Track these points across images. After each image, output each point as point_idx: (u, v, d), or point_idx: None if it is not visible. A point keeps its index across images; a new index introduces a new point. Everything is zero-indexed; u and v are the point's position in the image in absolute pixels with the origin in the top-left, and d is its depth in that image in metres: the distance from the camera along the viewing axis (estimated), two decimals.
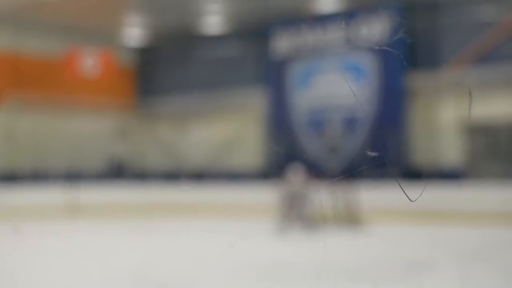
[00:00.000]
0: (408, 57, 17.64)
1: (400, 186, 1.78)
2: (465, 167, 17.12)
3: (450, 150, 17.40)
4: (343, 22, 17.49)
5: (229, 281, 7.84)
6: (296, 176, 12.98)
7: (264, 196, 15.06)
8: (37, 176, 19.80)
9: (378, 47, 17.92)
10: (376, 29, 17.92)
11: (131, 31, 23.20)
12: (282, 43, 20.28)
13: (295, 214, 12.80)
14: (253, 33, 21.31)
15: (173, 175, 21.37)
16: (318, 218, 12.64)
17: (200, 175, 20.88)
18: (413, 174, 16.74)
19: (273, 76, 20.63)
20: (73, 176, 19.82)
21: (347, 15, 19.15)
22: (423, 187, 1.86)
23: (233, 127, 22.23)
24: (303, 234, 12.13)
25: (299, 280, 7.72)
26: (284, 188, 13.08)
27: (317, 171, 15.69)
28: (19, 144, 20.99)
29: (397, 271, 8.13)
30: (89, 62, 21.85)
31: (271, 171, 19.46)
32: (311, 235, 12.04)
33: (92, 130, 23.00)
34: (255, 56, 21.54)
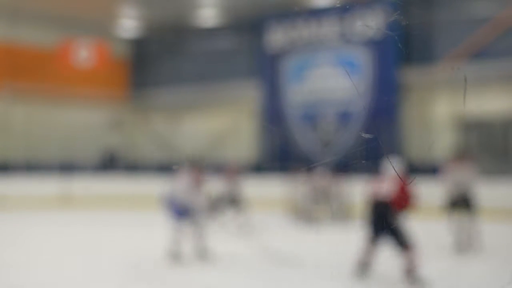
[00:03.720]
0: (402, 52, 17.66)
1: (395, 170, 1.79)
2: None
3: (444, 145, 17.45)
4: (338, 2, 17.48)
5: (222, 273, 7.86)
6: (323, 174, 13.32)
7: (258, 188, 15.08)
8: (31, 167, 19.75)
9: (373, 31, 17.95)
10: (371, 23, 17.93)
11: (126, 23, 23.14)
12: (277, 36, 20.27)
13: (320, 209, 13.33)
14: (248, 26, 21.29)
15: (166, 167, 21.36)
16: (343, 213, 13.10)
17: None
18: (406, 168, 16.79)
19: (267, 70, 20.63)
20: (66, 167, 19.78)
21: (342, 9, 19.12)
22: (415, 177, 1.87)
23: (227, 120, 22.23)
24: (319, 227, 12.40)
25: (293, 274, 7.75)
26: (310, 184, 13.41)
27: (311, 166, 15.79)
28: (13, 134, 20.93)
29: (390, 265, 8.17)
30: (84, 53, 21.78)
31: (265, 164, 19.50)
32: (323, 228, 12.30)
33: (86, 121, 22.96)
34: (249, 49, 21.52)
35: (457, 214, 9.31)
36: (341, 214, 13.45)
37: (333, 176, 13.39)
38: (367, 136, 2.08)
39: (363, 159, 2.50)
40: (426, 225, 12.31)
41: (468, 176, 9.24)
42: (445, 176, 9.45)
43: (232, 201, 12.37)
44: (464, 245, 9.28)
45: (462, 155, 9.57)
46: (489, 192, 13.25)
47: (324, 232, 12.21)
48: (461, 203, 9.23)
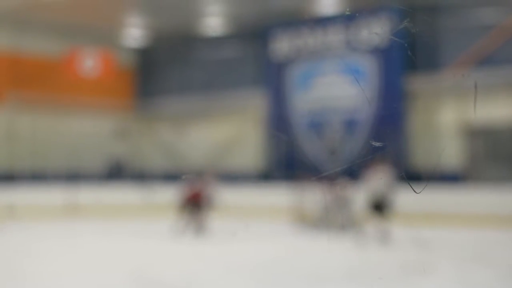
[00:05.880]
0: (408, 60, 17.64)
1: (405, 178, 1.78)
2: (464, 170, 17.11)
3: (450, 152, 17.39)
4: (348, 9, 17.53)
5: (231, 280, 7.83)
6: (335, 182, 13.28)
7: (264, 197, 15.07)
8: (36, 176, 19.78)
9: (380, 38, 17.92)
10: (376, 31, 17.91)
11: (132, 32, 23.20)
12: (282, 45, 20.27)
13: (333, 217, 13.37)
14: (253, 34, 21.31)
15: (172, 176, 21.35)
16: (353, 221, 13.19)
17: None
18: (412, 176, 16.74)
19: (273, 78, 20.62)
20: (72, 176, 19.80)
21: (347, 17, 19.13)
22: (425, 184, 1.86)
23: (233, 129, 22.21)
24: (332, 235, 12.42)
25: (298, 279, 7.72)
26: (322, 192, 13.40)
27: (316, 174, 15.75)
28: (19, 144, 20.96)
29: (394, 273, 8.13)
30: (89, 63, 21.84)
31: (271, 173, 19.49)
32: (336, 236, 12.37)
33: (91, 130, 22.98)
34: (255, 58, 21.53)
35: (374, 216, 10.52)
36: (350, 221, 13.38)
37: (343, 184, 13.34)
38: (376, 144, 2.06)
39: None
40: (431, 232, 12.26)
41: (385, 182, 10.26)
42: (365, 182, 10.44)
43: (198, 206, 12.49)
44: (373, 241, 10.44)
45: (381, 161, 10.44)
46: (496, 199, 13.21)
47: (335, 239, 12.16)
48: (377, 206, 10.43)
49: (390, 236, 10.57)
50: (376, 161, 10.32)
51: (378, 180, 10.21)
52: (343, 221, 13.15)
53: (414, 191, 1.84)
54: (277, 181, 17.63)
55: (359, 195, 12.78)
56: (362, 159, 2.19)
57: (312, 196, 13.58)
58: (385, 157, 10.59)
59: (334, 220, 13.48)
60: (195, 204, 12.49)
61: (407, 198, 11.22)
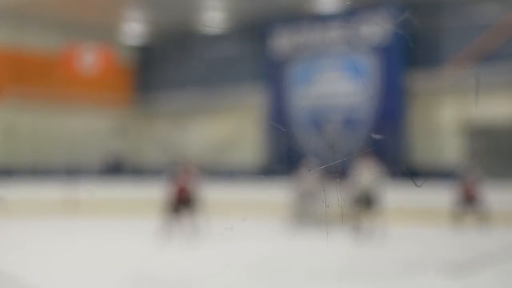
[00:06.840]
0: (408, 57, 17.59)
1: (406, 172, 1.75)
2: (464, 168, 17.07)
3: (450, 150, 17.36)
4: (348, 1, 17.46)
5: (229, 278, 7.81)
6: (310, 173, 13.12)
7: (264, 193, 15.04)
8: (36, 172, 19.74)
9: (381, 35, 17.86)
10: (376, 28, 17.87)
11: (131, 28, 23.15)
12: (282, 41, 20.23)
13: (308, 211, 13.11)
14: (253, 31, 21.26)
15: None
16: (329, 216, 12.86)
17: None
18: (412, 173, 16.71)
19: (273, 75, 20.58)
20: (71, 172, 19.77)
21: (348, 14, 19.08)
22: (424, 180, 1.83)
23: (232, 125, 22.19)
24: (315, 232, 12.19)
25: (297, 277, 7.70)
26: (297, 185, 13.27)
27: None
28: (18, 140, 20.93)
29: (395, 271, 8.11)
30: (89, 59, 21.79)
31: (270, 169, 19.46)
32: (320, 232, 12.16)
33: (91, 126, 22.95)
34: (254, 54, 21.48)
35: (361, 211, 10.53)
36: (323, 216, 13.05)
37: (320, 176, 13.06)
38: (376, 137, 2.03)
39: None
40: (436, 231, 12.26)
41: (371, 177, 10.31)
42: (350, 177, 10.53)
43: (186, 203, 11.77)
44: (365, 238, 10.49)
45: (368, 156, 10.45)
46: (497, 197, 13.18)
47: (332, 236, 12.13)
48: (364, 201, 10.42)
49: (384, 233, 10.53)
50: (363, 156, 10.31)
51: (363, 175, 10.22)
52: (315, 216, 12.93)
53: (415, 185, 1.81)
54: (277, 177, 17.59)
55: (342, 190, 12.67)
56: (351, 154, 2.17)
57: (298, 190, 13.44)
58: (372, 153, 10.53)
59: (309, 215, 13.20)
60: (185, 201, 11.88)
61: (406, 195, 11.21)
